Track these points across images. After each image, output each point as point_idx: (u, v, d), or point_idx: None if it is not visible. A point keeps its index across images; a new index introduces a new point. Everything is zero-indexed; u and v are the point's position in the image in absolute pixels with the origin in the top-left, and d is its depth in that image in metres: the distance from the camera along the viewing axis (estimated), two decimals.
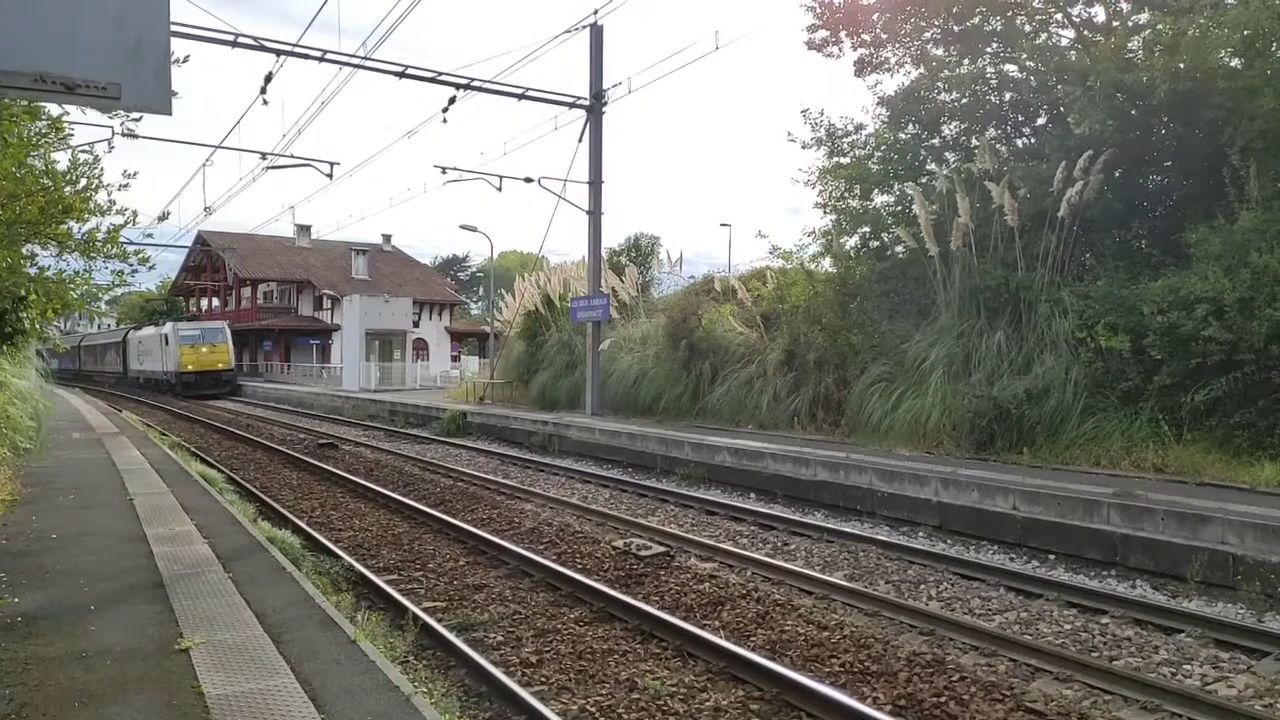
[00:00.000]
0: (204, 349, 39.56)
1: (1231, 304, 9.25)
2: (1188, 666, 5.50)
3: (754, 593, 7.11)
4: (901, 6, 14.63)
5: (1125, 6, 13.65)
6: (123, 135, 9.51)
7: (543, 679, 5.37)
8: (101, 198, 9.26)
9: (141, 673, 3.98)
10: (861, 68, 15.71)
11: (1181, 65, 11.02)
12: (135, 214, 9.83)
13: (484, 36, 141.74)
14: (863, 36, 15.41)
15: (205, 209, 28.06)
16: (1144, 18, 13.45)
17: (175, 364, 39.08)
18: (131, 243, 10.80)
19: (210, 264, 56.25)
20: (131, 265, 10.33)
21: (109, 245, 9.59)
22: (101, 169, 9.59)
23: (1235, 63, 11.01)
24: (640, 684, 5.21)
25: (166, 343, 40.31)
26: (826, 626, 6.25)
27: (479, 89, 17.45)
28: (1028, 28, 14.55)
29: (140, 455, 12.62)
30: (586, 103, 18.22)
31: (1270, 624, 6.29)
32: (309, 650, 4.29)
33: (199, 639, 4.40)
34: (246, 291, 54.12)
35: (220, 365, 39.94)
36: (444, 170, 19.72)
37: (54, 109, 8.27)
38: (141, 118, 8.11)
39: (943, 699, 4.94)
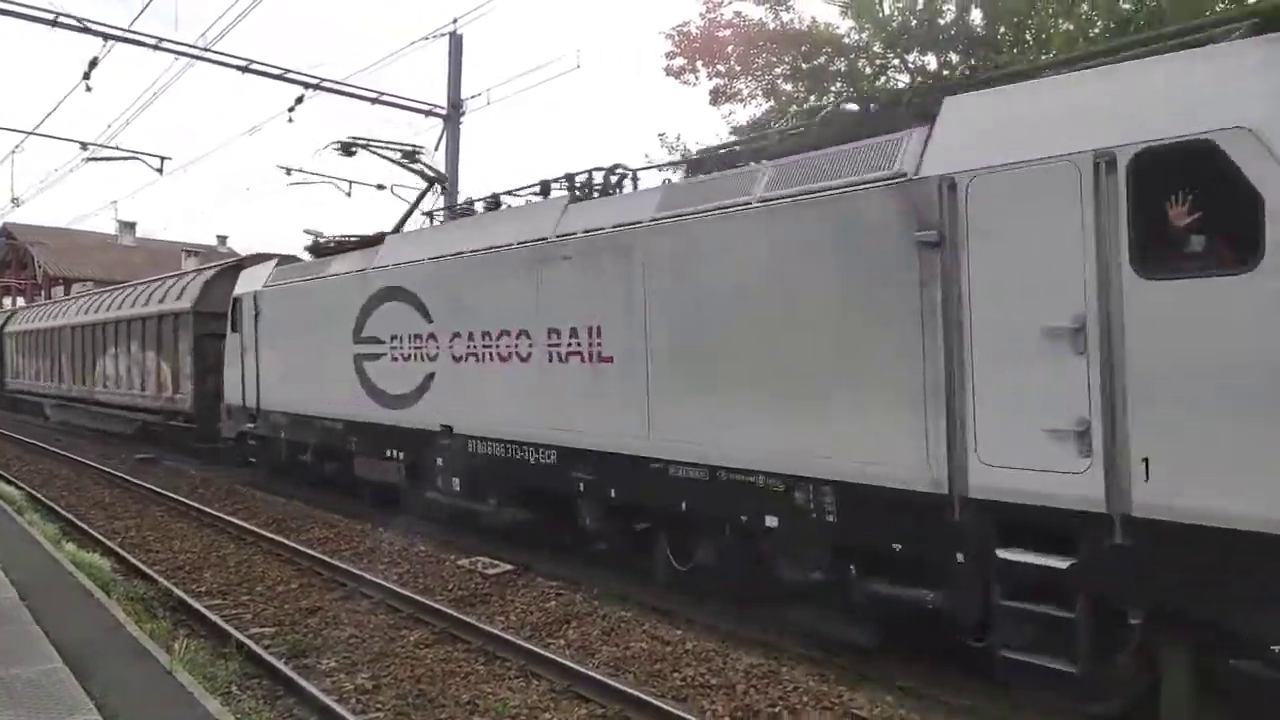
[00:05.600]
0: None
1: None
2: None
3: (599, 610, 7.12)
4: (754, 42, 15.29)
5: (954, 58, 14.80)
6: None
7: (379, 705, 5.19)
8: None
9: None
10: (716, 97, 16.29)
11: None
12: None
13: (338, 38, 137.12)
14: (718, 67, 15.99)
15: (13, 200, 25.46)
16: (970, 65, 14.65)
17: None
18: None
19: (16, 260, 51.24)
20: None
21: None
22: None
23: None
24: (482, 705, 5.12)
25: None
26: (670, 641, 6.34)
27: (329, 90, 16.76)
28: (868, 70, 15.51)
29: None
30: (444, 111, 17.89)
31: None
32: (117, 682, 3.97)
33: None
34: (59, 292, 49.56)
35: None
36: (289, 171, 18.69)
37: None
38: None
39: (777, 710, 5.12)
